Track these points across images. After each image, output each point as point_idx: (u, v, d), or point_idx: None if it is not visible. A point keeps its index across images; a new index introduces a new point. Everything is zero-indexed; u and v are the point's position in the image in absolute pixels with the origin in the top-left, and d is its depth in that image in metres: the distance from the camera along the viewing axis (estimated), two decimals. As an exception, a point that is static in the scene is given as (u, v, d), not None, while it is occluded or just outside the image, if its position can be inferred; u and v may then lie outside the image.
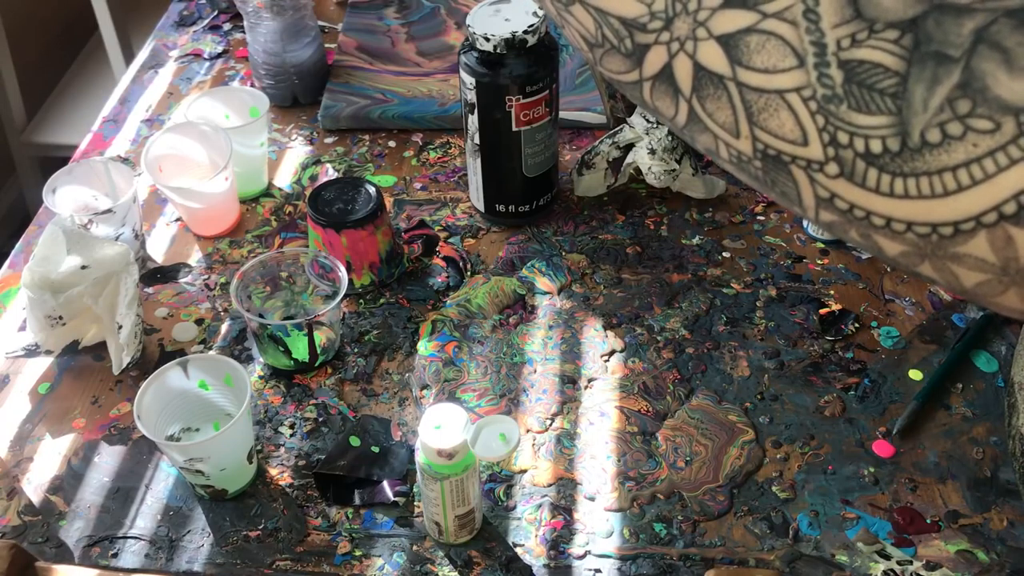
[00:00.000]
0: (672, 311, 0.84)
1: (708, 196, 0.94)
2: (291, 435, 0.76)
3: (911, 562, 0.67)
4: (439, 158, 1.01)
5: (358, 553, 0.68)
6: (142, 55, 1.19)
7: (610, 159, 0.92)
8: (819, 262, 0.88)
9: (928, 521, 0.69)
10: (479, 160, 0.88)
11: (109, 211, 0.84)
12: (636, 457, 0.74)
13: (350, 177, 0.88)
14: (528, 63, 0.82)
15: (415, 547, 0.69)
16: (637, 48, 0.38)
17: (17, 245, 0.94)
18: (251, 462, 0.72)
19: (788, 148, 0.34)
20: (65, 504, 0.72)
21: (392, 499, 0.71)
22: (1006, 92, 0.29)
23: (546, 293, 0.86)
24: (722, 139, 0.37)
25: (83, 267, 0.77)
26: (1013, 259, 0.31)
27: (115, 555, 0.69)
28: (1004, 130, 0.29)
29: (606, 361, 0.80)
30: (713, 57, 0.35)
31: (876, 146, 0.32)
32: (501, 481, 0.73)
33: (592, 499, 0.71)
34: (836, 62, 0.32)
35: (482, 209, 0.92)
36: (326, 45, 1.14)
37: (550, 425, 0.76)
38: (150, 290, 0.88)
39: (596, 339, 0.82)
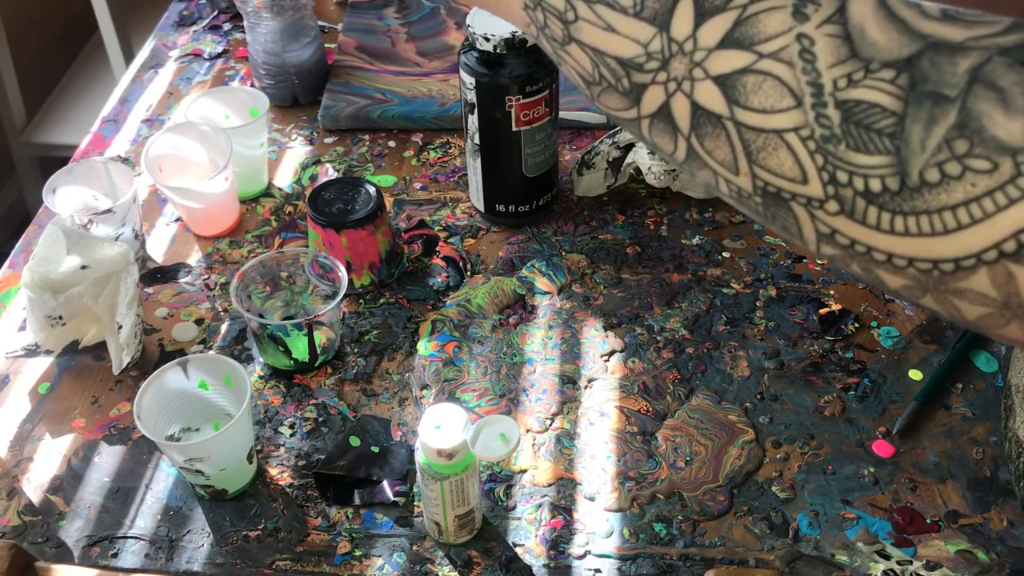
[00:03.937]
0: (672, 311, 0.84)
1: (708, 196, 0.94)
2: (291, 435, 0.76)
3: (911, 562, 0.67)
4: (439, 158, 1.01)
5: (358, 553, 0.68)
6: (142, 55, 1.19)
7: (610, 159, 0.92)
8: (819, 262, 0.88)
9: (928, 521, 0.69)
10: (479, 160, 0.88)
11: (109, 211, 0.84)
12: (636, 457, 0.74)
13: (350, 177, 0.88)
14: (528, 63, 0.82)
15: (415, 547, 0.69)
16: (634, 87, 0.38)
17: (17, 245, 0.94)
18: (251, 462, 0.72)
19: (788, 186, 0.34)
20: (65, 504, 0.72)
21: (392, 499, 0.71)
22: (1003, 132, 0.30)
23: (546, 293, 0.86)
24: (721, 175, 0.37)
25: (83, 267, 0.77)
26: (1014, 294, 0.31)
27: (115, 555, 0.69)
28: (1002, 170, 0.30)
29: (606, 361, 0.80)
30: (710, 97, 0.35)
31: (876, 185, 0.32)
32: (501, 481, 0.73)
33: (592, 499, 0.71)
34: (833, 102, 0.32)
35: (482, 209, 0.92)
36: (326, 45, 1.14)
37: (550, 425, 0.76)
38: (150, 290, 0.88)
39: (596, 339, 0.82)
